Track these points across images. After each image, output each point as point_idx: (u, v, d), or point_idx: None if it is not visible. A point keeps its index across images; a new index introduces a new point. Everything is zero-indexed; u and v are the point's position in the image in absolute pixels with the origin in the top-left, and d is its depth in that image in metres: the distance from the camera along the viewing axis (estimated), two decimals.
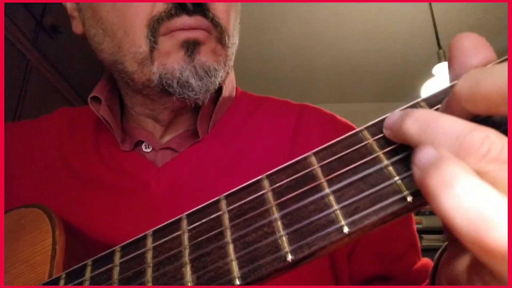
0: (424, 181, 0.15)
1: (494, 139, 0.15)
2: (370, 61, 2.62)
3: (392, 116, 0.20)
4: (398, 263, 0.42)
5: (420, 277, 0.41)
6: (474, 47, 0.20)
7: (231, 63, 0.44)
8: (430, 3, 1.86)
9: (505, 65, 0.15)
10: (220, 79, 0.41)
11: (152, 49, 0.38)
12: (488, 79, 0.16)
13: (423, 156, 0.16)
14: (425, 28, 2.23)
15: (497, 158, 0.15)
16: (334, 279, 0.41)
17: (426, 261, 0.43)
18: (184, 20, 0.38)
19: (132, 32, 0.38)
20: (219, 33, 0.40)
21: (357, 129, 0.21)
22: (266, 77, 2.80)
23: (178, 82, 0.38)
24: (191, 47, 0.38)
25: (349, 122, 0.50)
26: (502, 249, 0.13)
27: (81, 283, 0.25)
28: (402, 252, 0.42)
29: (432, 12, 1.85)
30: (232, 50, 0.44)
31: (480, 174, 0.15)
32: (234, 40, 0.44)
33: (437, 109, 0.19)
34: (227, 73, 0.44)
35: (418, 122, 0.18)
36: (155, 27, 0.38)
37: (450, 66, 0.21)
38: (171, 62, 0.38)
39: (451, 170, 0.15)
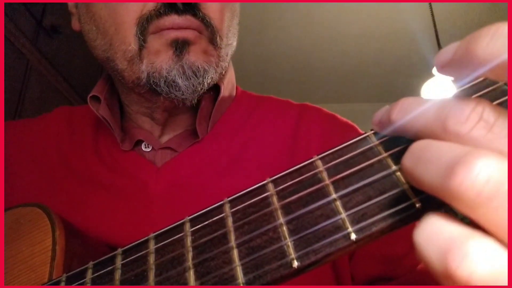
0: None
1: (484, 107, 0.15)
2: (370, 61, 2.62)
3: (379, 112, 0.19)
4: (401, 263, 0.41)
5: (425, 276, 0.40)
6: (457, 66, 0.17)
7: (224, 64, 0.43)
8: (430, 3, 1.86)
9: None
10: (210, 80, 0.40)
11: (141, 47, 0.38)
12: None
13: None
14: (425, 28, 2.23)
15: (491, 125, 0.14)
16: (335, 280, 0.41)
17: None
18: (173, 19, 0.38)
19: (122, 29, 0.39)
20: (211, 33, 0.40)
21: (365, 134, 0.20)
22: (266, 77, 2.80)
23: (165, 81, 0.38)
24: (180, 47, 0.38)
25: (349, 122, 0.50)
26: None
27: (81, 285, 0.25)
28: (404, 252, 0.41)
29: (432, 12, 1.85)
30: (227, 51, 0.43)
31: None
32: (229, 41, 0.43)
33: None
34: (220, 73, 0.43)
35: (401, 111, 0.18)
36: (144, 25, 0.38)
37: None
38: (160, 61, 0.38)
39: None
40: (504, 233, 0.13)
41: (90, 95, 0.45)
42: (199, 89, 0.40)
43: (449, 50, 0.17)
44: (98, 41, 0.42)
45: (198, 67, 0.39)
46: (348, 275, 0.41)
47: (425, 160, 0.15)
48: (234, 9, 0.45)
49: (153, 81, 0.38)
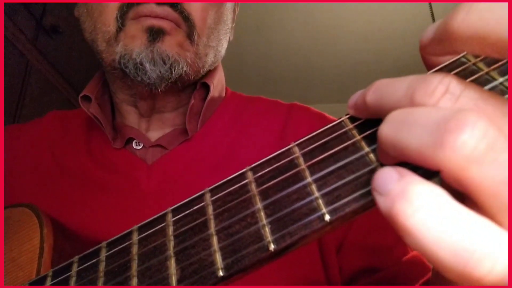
0: (393, 212, 0.13)
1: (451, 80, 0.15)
2: (370, 61, 2.62)
3: (354, 96, 0.19)
4: (388, 255, 0.41)
5: (411, 268, 0.40)
6: (438, 44, 0.18)
7: (201, 63, 0.44)
8: (430, 3, 1.86)
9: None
10: (180, 72, 0.41)
11: (118, 30, 0.40)
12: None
13: (383, 181, 0.14)
14: (425, 28, 2.22)
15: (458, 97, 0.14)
16: (325, 275, 0.41)
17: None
18: (152, 7, 0.40)
19: (105, 12, 0.41)
20: (188, 28, 0.41)
21: (340, 119, 0.21)
22: (265, 77, 2.80)
23: (134, 63, 0.40)
24: (154, 34, 0.40)
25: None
26: (491, 281, 0.12)
27: (67, 279, 0.25)
28: (392, 243, 0.41)
29: (432, 12, 1.85)
30: (206, 51, 0.44)
31: None
32: (211, 42, 0.44)
33: None
34: (197, 71, 0.44)
35: (374, 92, 0.18)
36: (124, 10, 0.40)
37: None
38: (133, 45, 0.40)
39: (424, 197, 0.13)
40: (493, 193, 0.13)
41: (81, 95, 0.46)
42: (166, 77, 0.41)
43: (430, 29, 0.17)
44: (86, 24, 0.44)
45: (168, 56, 0.40)
46: (337, 269, 0.41)
47: (409, 124, 0.14)
48: (221, 14, 0.46)
49: (123, 63, 0.40)
